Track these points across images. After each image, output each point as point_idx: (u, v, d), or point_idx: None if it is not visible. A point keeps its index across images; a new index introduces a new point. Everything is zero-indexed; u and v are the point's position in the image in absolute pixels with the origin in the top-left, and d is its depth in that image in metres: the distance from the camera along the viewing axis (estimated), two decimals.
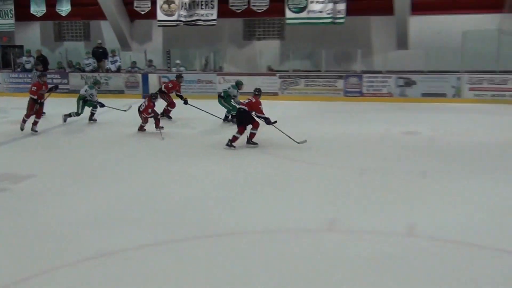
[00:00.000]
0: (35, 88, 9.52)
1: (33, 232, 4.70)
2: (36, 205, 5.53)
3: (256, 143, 8.17)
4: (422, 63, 13.30)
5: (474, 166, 7.30)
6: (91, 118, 10.71)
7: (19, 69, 15.76)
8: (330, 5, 13.80)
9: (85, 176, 6.68)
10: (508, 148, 8.33)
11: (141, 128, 9.45)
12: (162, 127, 9.13)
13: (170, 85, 11.35)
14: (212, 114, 10.48)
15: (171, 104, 11.19)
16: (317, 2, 13.95)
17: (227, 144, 8.04)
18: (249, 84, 11.26)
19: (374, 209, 5.44)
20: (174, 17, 14.86)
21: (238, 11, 14.76)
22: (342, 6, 13.78)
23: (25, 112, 9.49)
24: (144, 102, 9.37)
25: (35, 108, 9.41)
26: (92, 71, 15.00)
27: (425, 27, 14.12)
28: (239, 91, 10.45)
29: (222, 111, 10.55)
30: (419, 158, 7.83)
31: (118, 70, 15.13)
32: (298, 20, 14.17)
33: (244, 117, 8.06)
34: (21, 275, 3.81)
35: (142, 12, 15.23)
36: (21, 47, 17.32)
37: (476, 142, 8.95)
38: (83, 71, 15.16)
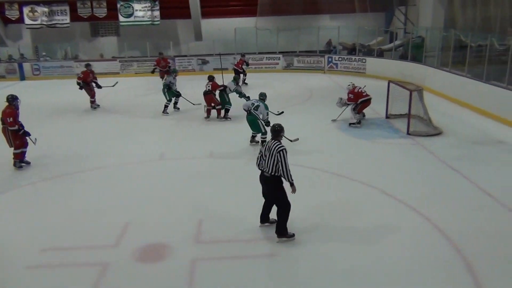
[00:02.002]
0: None
1: None
2: None
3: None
4: (211, 49, 20.85)
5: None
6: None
7: None
8: (149, 12, 20.92)
9: None
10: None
11: None
12: None
13: (81, 75, 13.59)
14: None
15: (93, 94, 13.67)
16: (140, 10, 20.91)
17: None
18: (98, 67, 17.83)
19: (186, 143, 9.96)
20: (38, 22, 20.53)
21: (85, 16, 21.00)
22: (157, 13, 21.00)
23: None
24: None
25: None
26: None
27: (211, 26, 21.94)
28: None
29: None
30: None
31: None
32: (128, 22, 21.00)
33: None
34: None
35: (13, 18, 20.54)
36: None
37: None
38: None
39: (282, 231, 5.79)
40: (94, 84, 13.75)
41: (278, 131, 5.70)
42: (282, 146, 5.56)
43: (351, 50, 19.98)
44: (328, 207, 6.76)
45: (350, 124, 11.02)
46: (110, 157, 9.24)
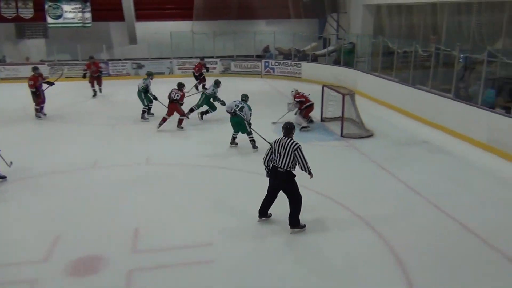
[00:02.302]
0: None
1: None
2: None
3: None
4: (147, 53, 20.41)
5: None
6: None
7: None
8: (80, 14, 20.09)
9: None
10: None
11: None
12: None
13: (31, 82, 12.41)
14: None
15: (42, 101, 12.54)
16: (70, 11, 20.01)
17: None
18: (24, 71, 16.84)
19: (121, 150, 9.58)
20: None
21: (9, 17, 19.73)
22: (88, 15, 20.21)
23: None
24: None
25: None
26: None
27: (147, 29, 21.47)
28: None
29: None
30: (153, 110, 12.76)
31: None
32: (57, 24, 20.01)
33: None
34: None
35: None
36: None
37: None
38: None
39: (296, 222, 6.11)
40: (46, 85, 12.72)
41: (290, 129, 6.08)
42: (297, 143, 5.95)
43: (287, 55, 20.41)
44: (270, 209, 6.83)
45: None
46: (40, 166, 8.75)
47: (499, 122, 9.37)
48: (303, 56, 20.04)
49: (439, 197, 7.22)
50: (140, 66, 20.24)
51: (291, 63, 19.56)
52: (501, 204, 7.07)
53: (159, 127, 11.32)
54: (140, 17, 21.29)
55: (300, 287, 5.00)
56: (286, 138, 6.01)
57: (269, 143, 9.16)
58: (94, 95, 15.89)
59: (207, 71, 16.73)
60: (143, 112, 12.47)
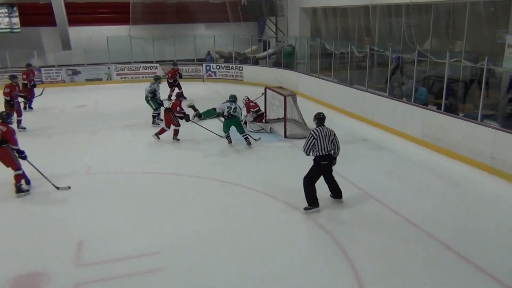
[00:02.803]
0: None
1: None
2: None
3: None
4: (83, 59, 19.66)
5: (123, 122, 12.36)
6: None
7: None
8: (6, 19, 18.96)
9: None
10: (138, 110, 13.54)
11: None
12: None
13: (7, 90, 11.87)
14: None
15: (18, 112, 11.86)
16: None
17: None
18: None
19: (61, 159, 9.29)
20: None
21: None
22: (16, 20, 19.14)
23: None
24: None
25: None
26: None
27: (81, 34, 20.71)
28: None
29: None
30: (89, 122, 12.56)
31: None
32: None
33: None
34: None
35: None
36: None
37: (125, 108, 14.24)
38: None
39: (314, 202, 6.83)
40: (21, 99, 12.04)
41: (323, 118, 6.93)
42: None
43: (228, 58, 20.46)
44: (216, 213, 6.81)
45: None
46: None
47: (432, 118, 9.94)
48: (244, 59, 20.19)
49: (380, 191, 7.54)
50: (75, 73, 19.49)
51: (232, 66, 19.64)
52: (436, 195, 7.50)
53: (158, 138, 10.73)
54: (73, 21, 20.46)
55: None
56: (325, 127, 6.78)
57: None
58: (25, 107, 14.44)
59: (180, 77, 15.99)
60: (154, 117, 12.18)
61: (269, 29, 22.09)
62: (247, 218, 6.69)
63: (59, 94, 17.10)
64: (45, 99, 15.43)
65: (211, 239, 6.08)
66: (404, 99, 11.21)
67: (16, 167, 7.64)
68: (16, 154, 7.63)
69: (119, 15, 21.34)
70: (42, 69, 18.96)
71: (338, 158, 6.95)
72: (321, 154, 6.65)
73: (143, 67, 20.17)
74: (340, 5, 16.70)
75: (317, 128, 6.75)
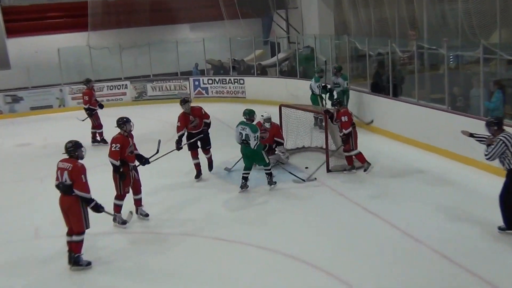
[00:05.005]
0: None
1: None
2: None
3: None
4: (26, 80, 19.62)
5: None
6: None
7: None
8: None
9: None
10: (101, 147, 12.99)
11: None
12: None
13: (86, 97, 13.48)
14: None
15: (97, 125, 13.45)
16: None
17: None
18: None
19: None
20: None
21: None
22: None
23: None
24: None
25: None
26: None
27: (23, 47, 20.91)
28: None
29: None
30: (35, 165, 12.36)
31: None
32: None
33: None
34: None
35: None
36: None
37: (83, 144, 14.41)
38: None
39: None
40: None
41: (502, 122, 7.38)
42: None
43: (219, 69, 20.41)
44: None
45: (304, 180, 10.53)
46: None
47: None
48: (246, 69, 20.18)
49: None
50: (16, 99, 19.53)
51: (230, 79, 19.62)
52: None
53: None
54: (12, 31, 20.74)
55: None
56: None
57: (303, 180, 10.04)
58: None
59: (101, 107, 15.80)
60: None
61: (278, 26, 22.21)
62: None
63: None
64: None
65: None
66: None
67: (82, 229, 7.09)
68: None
69: (74, 19, 21.79)
70: None
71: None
72: None
73: (108, 87, 20.24)
74: None
75: (507, 135, 7.11)
